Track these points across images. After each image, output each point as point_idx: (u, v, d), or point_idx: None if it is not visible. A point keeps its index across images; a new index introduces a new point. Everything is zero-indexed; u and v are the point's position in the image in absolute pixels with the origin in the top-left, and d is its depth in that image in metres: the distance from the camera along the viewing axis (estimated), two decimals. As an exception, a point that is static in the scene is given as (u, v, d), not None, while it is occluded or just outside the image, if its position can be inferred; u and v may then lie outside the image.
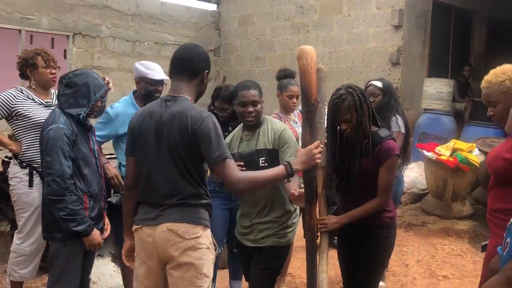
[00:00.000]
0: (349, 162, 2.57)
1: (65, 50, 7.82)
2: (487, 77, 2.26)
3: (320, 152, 2.28)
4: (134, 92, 3.47)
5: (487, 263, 2.18)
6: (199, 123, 2.11)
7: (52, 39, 7.70)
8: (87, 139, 2.76)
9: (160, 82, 3.40)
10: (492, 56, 9.12)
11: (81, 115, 2.66)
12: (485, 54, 9.19)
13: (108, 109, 3.38)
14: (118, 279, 3.94)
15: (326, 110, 2.60)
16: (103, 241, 2.78)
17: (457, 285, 4.08)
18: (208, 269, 2.20)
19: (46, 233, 2.73)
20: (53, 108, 3.20)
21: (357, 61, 7.65)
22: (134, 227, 2.29)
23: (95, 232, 2.66)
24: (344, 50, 7.80)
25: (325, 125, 2.62)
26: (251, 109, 2.71)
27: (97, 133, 3.40)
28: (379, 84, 3.75)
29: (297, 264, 4.40)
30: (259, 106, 2.75)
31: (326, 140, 2.62)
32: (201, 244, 2.16)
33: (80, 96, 2.66)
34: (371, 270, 2.68)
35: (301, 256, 4.44)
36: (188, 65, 2.25)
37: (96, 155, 2.81)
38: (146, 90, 3.36)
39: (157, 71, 3.40)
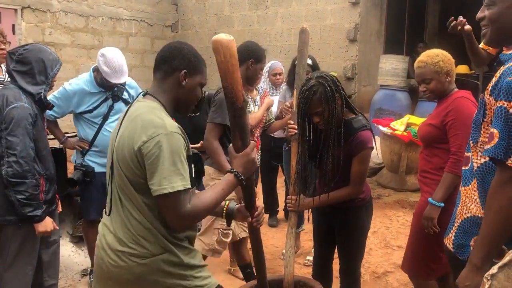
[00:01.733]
0: (321, 154, 2.50)
1: (13, 25, 7.47)
2: (422, 58, 2.62)
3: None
4: (94, 70, 3.32)
5: (418, 216, 2.61)
6: None
7: (-1, 13, 7.34)
8: (42, 119, 2.66)
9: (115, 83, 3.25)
10: (445, 33, 9.36)
11: (42, 94, 2.54)
12: (438, 31, 9.43)
13: (66, 85, 3.30)
14: (76, 259, 3.90)
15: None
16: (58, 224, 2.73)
17: (410, 254, 4.27)
18: None
19: None
20: (4, 84, 3.08)
21: (315, 37, 7.68)
22: None
23: (48, 219, 2.55)
24: (302, 26, 7.83)
25: (300, 94, 2.51)
26: None
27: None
28: (309, 61, 3.91)
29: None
30: None
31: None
32: None
33: (37, 73, 2.53)
34: (346, 249, 2.72)
35: (262, 231, 4.52)
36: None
37: (46, 138, 2.74)
38: (102, 82, 3.24)
39: (115, 71, 3.16)
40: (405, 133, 5.56)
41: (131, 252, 1.69)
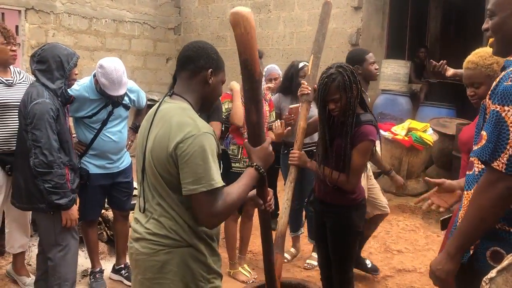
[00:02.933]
0: (336, 141, 2.58)
1: (16, 26, 7.49)
2: (473, 59, 2.31)
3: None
4: (95, 75, 3.29)
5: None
6: None
7: (2, 14, 7.35)
8: (64, 114, 2.82)
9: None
10: (446, 39, 9.39)
11: (62, 88, 2.73)
12: (440, 37, 9.45)
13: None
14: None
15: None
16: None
17: (410, 258, 4.27)
18: None
19: (28, 204, 2.78)
20: (15, 87, 3.16)
21: (317, 41, 7.69)
22: None
23: (75, 207, 2.76)
24: (305, 30, 7.84)
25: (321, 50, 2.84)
26: None
27: None
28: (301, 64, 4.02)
29: (257, 242, 4.47)
30: None
31: (316, 86, 2.76)
32: None
33: (55, 68, 2.72)
34: (336, 249, 2.74)
35: (261, 234, 4.51)
36: None
37: (68, 131, 2.88)
38: (102, 92, 3.24)
39: (113, 83, 3.15)
40: (406, 138, 5.57)
41: (160, 241, 1.77)
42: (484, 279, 1.43)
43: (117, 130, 3.40)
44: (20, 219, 3.37)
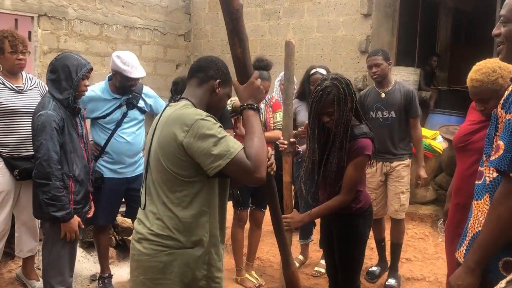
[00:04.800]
0: (327, 156, 2.52)
1: (29, 32, 7.58)
2: (477, 76, 2.31)
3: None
4: (109, 78, 3.42)
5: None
6: None
7: (16, 20, 7.44)
8: (74, 124, 2.80)
9: (136, 79, 3.36)
10: (457, 46, 9.34)
11: (69, 99, 2.72)
12: (450, 44, 9.41)
13: None
14: (86, 264, 3.92)
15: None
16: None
17: (419, 267, 4.24)
18: None
19: (39, 212, 2.80)
20: (25, 93, 3.20)
21: (326, 48, 7.71)
22: None
23: (74, 220, 2.72)
24: (314, 37, 7.85)
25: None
26: None
27: None
28: (323, 71, 3.95)
29: (265, 249, 4.47)
30: None
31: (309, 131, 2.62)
32: None
33: (63, 79, 2.72)
34: (342, 257, 2.73)
35: (269, 241, 4.52)
36: None
37: (85, 140, 2.88)
38: (122, 84, 3.34)
39: (134, 67, 3.31)
40: (416, 145, 5.52)
41: (162, 242, 1.82)
42: None
43: (132, 132, 3.44)
44: (29, 224, 3.39)
